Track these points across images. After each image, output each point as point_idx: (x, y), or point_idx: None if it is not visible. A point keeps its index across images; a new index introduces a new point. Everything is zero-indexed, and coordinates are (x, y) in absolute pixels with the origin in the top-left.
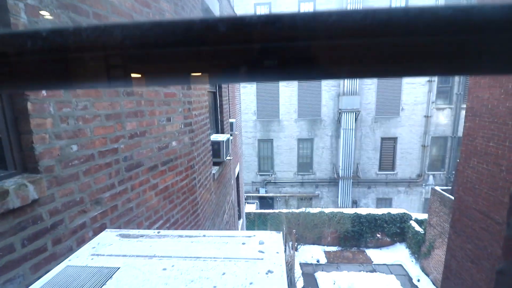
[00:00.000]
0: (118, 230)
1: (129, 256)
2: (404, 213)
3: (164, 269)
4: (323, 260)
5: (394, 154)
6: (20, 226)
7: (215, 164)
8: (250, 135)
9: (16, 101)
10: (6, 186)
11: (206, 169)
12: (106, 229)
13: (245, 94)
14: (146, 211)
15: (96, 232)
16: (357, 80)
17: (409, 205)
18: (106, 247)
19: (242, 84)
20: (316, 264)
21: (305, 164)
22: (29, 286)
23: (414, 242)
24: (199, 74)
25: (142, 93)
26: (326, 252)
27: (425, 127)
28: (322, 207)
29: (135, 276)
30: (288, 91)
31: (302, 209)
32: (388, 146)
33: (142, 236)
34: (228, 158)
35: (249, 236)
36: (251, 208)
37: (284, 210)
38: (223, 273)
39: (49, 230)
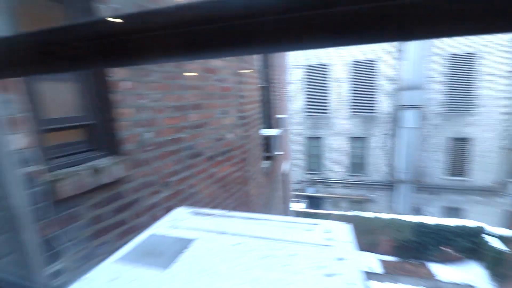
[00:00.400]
0: (190, 207)
1: (203, 230)
2: (479, 226)
3: (235, 244)
4: (377, 269)
5: (467, 157)
6: (109, 199)
7: (265, 158)
8: (297, 132)
9: (105, 92)
10: (100, 164)
11: (258, 162)
12: (178, 207)
13: (293, 91)
14: (205, 197)
15: (166, 212)
16: (421, 73)
17: (485, 217)
18: (182, 221)
19: (291, 80)
20: (368, 272)
21: (357, 165)
22: (117, 250)
23: (492, 261)
24: (303, 40)
25: (204, 87)
26: (381, 261)
27: (508, 126)
28: (376, 212)
29: (211, 247)
30: (339, 87)
31: (355, 213)
32: (459, 147)
33: (211, 214)
34: (278, 153)
35: (314, 224)
36: (299, 206)
37: (334, 212)
38: (293, 255)
39: (131, 205)
